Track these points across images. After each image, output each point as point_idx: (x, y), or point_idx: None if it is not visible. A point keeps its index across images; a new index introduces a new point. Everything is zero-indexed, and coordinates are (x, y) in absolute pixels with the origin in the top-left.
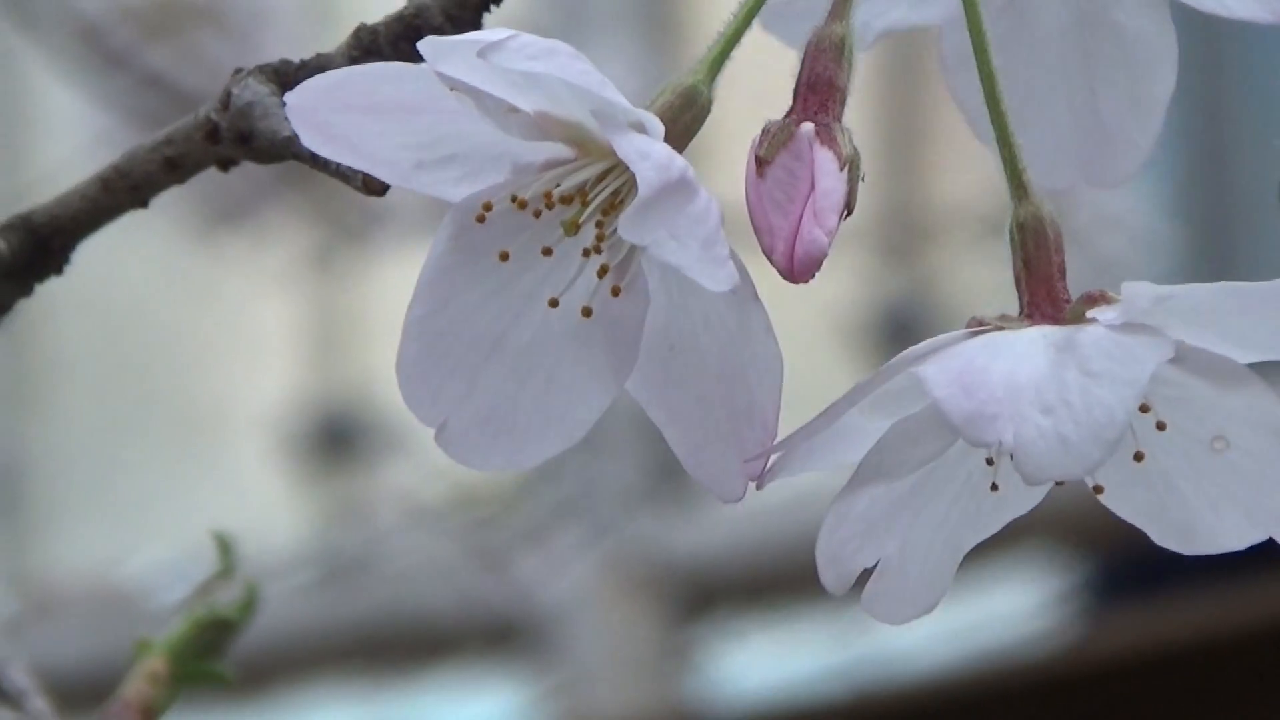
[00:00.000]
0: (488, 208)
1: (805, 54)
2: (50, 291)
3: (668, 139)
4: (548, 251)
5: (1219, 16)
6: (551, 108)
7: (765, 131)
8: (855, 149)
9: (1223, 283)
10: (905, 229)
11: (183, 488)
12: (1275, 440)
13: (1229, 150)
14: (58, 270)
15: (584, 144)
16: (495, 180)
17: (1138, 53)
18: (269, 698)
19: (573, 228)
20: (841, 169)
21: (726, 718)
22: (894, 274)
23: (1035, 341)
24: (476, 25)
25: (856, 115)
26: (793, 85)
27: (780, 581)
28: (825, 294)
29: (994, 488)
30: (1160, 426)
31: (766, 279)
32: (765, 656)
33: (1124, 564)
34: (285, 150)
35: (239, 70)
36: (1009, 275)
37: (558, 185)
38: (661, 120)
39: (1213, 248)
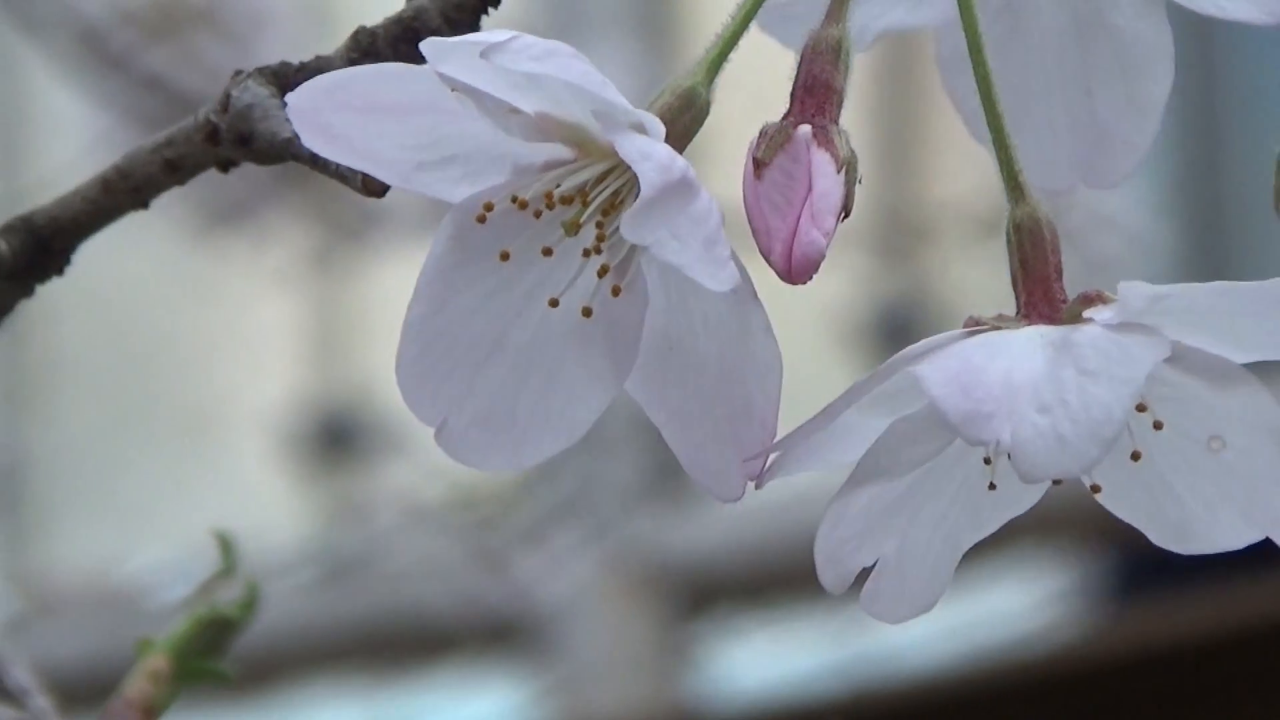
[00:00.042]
0: (488, 208)
1: (802, 56)
2: (51, 292)
3: (667, 140)
4: (548, 252)
5: (1212, 18)
6: (552, 109)
7: (763, 133)
8: (852, 151)
9: (1218, 283)
10: (902, 230)
11: (183, 487)
12: (1271, 440)
13: (1222, 151)
14: (58, 271)
15: (584, 145)
16: (496, 181)
17: (1134, 53)
18: (270, 696)
19: (573, 228)
20: (839, 171)
21: (725, 716)
22: (891, 274)
23: (1032, 341)
24: (474, 28)
25: (853, 117)
26: (790, 87)
27: (779, 580)
28: (823, 295)
29: (992, 487)
30: (1157, 426)
31: (764, 279)
32: (764, 655)
33: (1123, 563)
34: (285, 151)
35: (239, 72)
36: (1006, 275)
37: (558, 186)
38: (661, 121)
39: (1206, 248)
